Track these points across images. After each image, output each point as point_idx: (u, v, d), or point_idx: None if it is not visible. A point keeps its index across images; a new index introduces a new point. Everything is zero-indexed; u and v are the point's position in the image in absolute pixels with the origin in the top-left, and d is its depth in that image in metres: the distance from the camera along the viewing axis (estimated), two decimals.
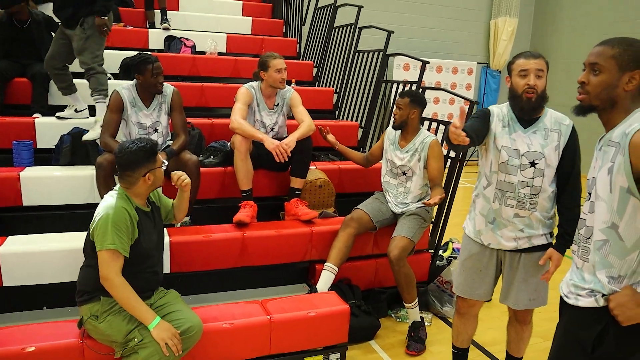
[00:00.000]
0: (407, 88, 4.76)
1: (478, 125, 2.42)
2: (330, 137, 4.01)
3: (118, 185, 2.51)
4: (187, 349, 2.50)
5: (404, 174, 3.57)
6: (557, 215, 2.48)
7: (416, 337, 3.36)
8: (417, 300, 3.40)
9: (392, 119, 3.60)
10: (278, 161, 3.52)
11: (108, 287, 2.33)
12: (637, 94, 1.61)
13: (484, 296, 2.65)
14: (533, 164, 2.37)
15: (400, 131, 3.59)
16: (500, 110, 2.49)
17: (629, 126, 1.54)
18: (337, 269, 3.40)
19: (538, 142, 2.37)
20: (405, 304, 3.41)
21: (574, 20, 9.69)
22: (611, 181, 1.57)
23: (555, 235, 2.45)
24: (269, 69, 3.74)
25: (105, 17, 3.87)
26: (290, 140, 3.59)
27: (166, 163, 2.59)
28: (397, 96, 3.58)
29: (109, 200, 2.42)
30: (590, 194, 1.71)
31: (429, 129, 3.96)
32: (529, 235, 2.45)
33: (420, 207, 3.53)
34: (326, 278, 3.37)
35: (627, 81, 1.58)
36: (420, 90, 4.59)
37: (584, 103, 1.67)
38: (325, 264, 3.42)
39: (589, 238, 1.68)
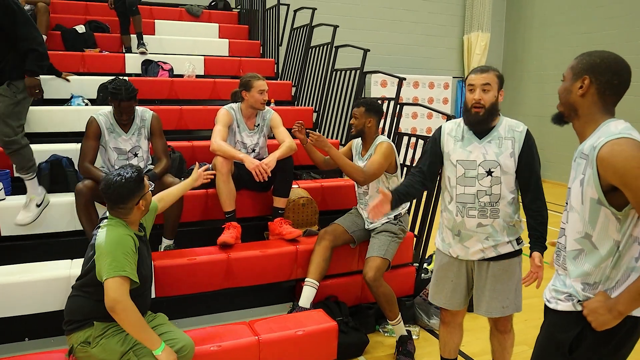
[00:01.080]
0: (385, 105, 4.82)
1: (429, 163, 2.61)
2: (300, 135, 3.69)
3: (108, 215, 2.48)
4: None
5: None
6: (522, 221, 2.54)
7: (404, 351, 3.36)
8: (400, 315, 3.40)
9: (349, 129, 3.62)
10: (258, 180, 3.52)
11: (120, 310, 2.25)
12: (602, 104, 1.66)
13: (458, 305, 2.69)
14: (489, 173, 2.44)
15: (361, 141, 3.59)
16: (454, 126, 2.58)
17: (597, 139, 1.59)
18: (317, 284, 3.39)
19: (493, 151, 2.44)
20: (389, 321, 3.42)
21: (544, 33, 9.95)
22: (582, 193, 1.63)
23: (530, 242, 2.48)
24: (251, 90, 3.76)
25: (39, 78, 3.39)
26: (270, 160, 3.59)
27: (152, 184, 2.58)
28: (353, 106, 3.58)
29: (112, 230, 2.39)
30: (567, 203, 1.76)
31: (408, 144, 4.00)
32: (495, 244, 2.49)
33: (386, 222, 3.51)
34: (308, 293, 3.37)
35: (579, 87, 1.67)
36: (399, 106, 4.66)
37: (558, 110, 1.80)
38: (306, 279, 3.41)
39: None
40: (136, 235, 2.48)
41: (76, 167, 3.84)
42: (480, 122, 2.44)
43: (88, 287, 2.40)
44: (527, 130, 2.46)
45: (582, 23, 9.16)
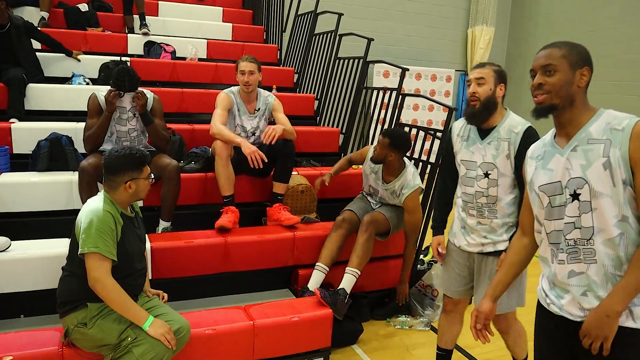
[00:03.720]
0: (387, 95, 4.81)
1: (449, 168, 2.68)
2: (327, 178, 3.94)
3: (102, 190, 2.49)
4: (177, 350, 2.50)
5: (382, 200, 3.74)
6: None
7: (333, 300, 3.21)
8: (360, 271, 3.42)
9: (371, 152, 3.59)
10: (252, 167, 3.51)
11: (100, 289, 2.29)
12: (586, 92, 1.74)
13: (458, 294, 2.73)
14: (486, 175, 2.46)
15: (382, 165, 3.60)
16: (462, 124, 2.60)
17: (613, 121, 1.63)
18: (327, 269, 3.44)
19: (490, 153, 2.45)
20: (349, 267, 3.39)
21: (549, 30, 9.90)
22: (612, 175, 1.58)
23: None
24: (237, 72, 3.78)
25: None
26: (278, 126, 3.59)
27: (152, 175, 2.56)
28: (380, 134, 3.54)
29: (93, 205, 2.40)
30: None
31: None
32: (493, 241, 2.51)
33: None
34: (317, 277, 3.41)
35: (579, 78, 1.69)
36: (400, 97, 4.64)
37: (545, 103, 1.71)
38: (317, 264, 3.45)
39: (589, 239, 1.63)
40: (124, 214, 2.47)
41: (76, 147, 3.83)
42: (475, 115, 2.45)
43: (75, 267, 2.40)
44: (526, 130, 2.41)
45: (587, 21, 9.12)
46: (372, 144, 3.96)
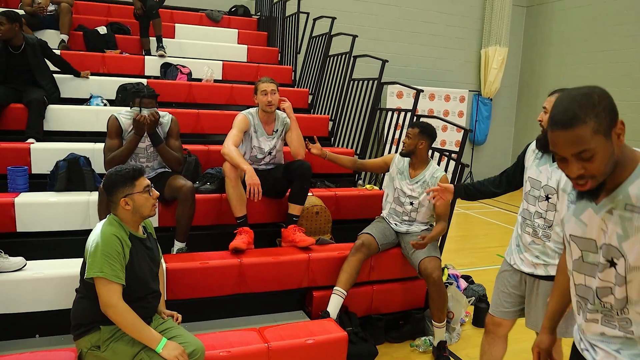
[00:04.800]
0: (402, 116, 4.83)
1: (510, 173, 2.74)
2: (316, 150, 3.99)
3: (111, 213, 2.50)
4: None
5: (411, 204, 3.65)
6: None
7: (445, 357, 3.45)
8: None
9: (401, 146, 3.69)
10: (248, 197, 3.50)
11: (111, 314, 2.29)
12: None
13: (502, 314, 2.69)
14: (547, 198, 2.45)
15: (409, 161, 3.67)
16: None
17: None
18: (345, 293, 3.44)
19: (555, 177, 2.43)
20: (437, 323, 3.50)
21: (562, 50, 9.91)
22: None
23: None
24: (257, 92, 3.80)
25: None
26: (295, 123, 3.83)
27: (150, 187, 2.53)
28: (408, 126, 3.69)
29: (100, 228, 2.41)
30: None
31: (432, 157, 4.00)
32: (545, 263, 2.49)
33: (425, 229, 3.68)
34: (336, 302, 3.41)
35: (617, 139, 1.34)
36: (415, 118, 4.65)
37: (593, 187, 1.39)
38: (335, 288, 3.44)
39: (623, 309, 1.42)
40: (134, 236, 2.46)
41: (93, 167, 3.87)
42: (538, 139, 2.52)
43: (87, 289, 2.39)
44: None
45: (601, 40, 9.11)
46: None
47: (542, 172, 2.49)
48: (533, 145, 2.61)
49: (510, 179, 2.72)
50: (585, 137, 1.30)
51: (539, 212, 2.48)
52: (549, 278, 2.47)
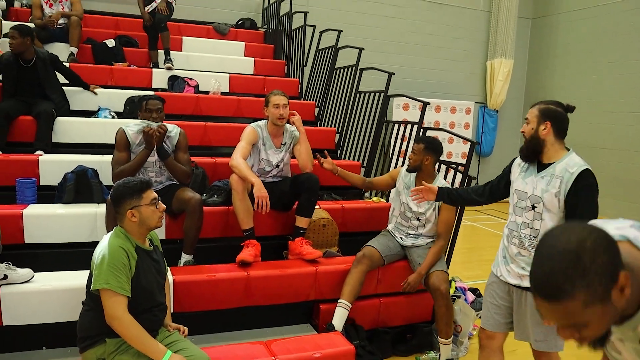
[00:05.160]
0: (409, 129, 4.84)
1: (496, 183, 2.76)
2: (327, 165, 3.95)
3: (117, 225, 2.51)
4: None
5: (418, 219, 3.64)
6: None
7: None
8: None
9: (407, 162, 3.69)
10: (255, 209, 3.53)
11: (116, 326, 2.29)
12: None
13: (493, 327, 2.69)
14: (533, 207, 2.49)
15: (415, 175, 3.65)
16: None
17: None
18: (350, 306, 3.42)
19: (541, 187, 2.47)
20: (443, 339, 3.46)
21: (568, 61, 9.90)
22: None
23: None
24: (269, 105, 3.81)
25: None
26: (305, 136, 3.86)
27: (157, 200, 2.53)
28: (414, 141, 3.67)
29: (107, 240, 2.42)
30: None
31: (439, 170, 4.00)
32: None
33: (431, 241, 3.66)
34: (341, 314, 3.38)
35: (621, 293, 1.09)
36: (422, 131, 4.65)
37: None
38: (339, 300, 3.42)
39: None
40: (140, 248, 2.46)
41: (101, 179, 3.89)
42: (521, 150, 2.56)
43: (93, 302, 2.40)
44: (582, 172, 2.37)
45: (607, 52, 9.10)
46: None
47: (527, 183, 2.52)
48: (518, 158, 2.65)
49: (494, 190, 2.75)
50: (574, 311, 1.07)
51: (526, 222, 2.52)
52: None
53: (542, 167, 2.50)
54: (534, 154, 2.50)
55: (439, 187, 2.92)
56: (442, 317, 3.42)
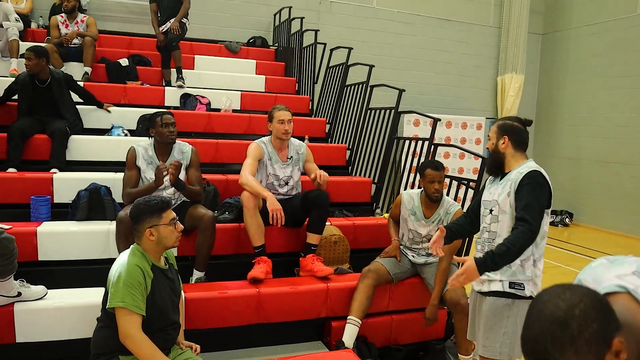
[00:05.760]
0: (419, 145, 4.83)
1: (475, 203, 2.80)
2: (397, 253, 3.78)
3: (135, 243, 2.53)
4: None
5: (429, 240, 3.54)
6: (523, 265, 2.50)
7: None
8: None
9: (433, 193, 3.50)
10: (271, 223, 3.53)
11: (130, 344, 2.30)
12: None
13: (473, 337, 2.77)
14: (491, 211, 2.60)
15: (419, 200, 3.62)
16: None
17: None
18: (360, 322, 3.39)
19: (498, 191, 2.58)
20: (463, 356, 3.43)
21: (579, 77, 9.88)
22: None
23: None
24: (273, 120, 3.86)
25: None
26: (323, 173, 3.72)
27: (176, 220, 2.56)
28: (432, 169, 3.49)
29: (123, 258, 2.44)
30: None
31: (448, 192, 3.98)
32: (489, 279, 2.55)
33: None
34: (351, 331, 3.36)
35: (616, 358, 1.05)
36: (432, 146, 4.65)
37: None
38: (348, 317, 3.40)
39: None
40: (156, 267, 2.48)
41: (113, 197, 3.92)
42: (486, 165, 2.78)
43: (108, 319, 2.41)
44: (531, 172, 2.46)
45: (618, 66, 9.07)
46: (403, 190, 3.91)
47: (491, 193, 2.62)
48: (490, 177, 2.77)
49: (475, 211, 2.77)
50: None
51: (485, 226, 2.62)
52: (491, 294, 2.54)
53: (503, 176, 2.61)
54: (497, 167, 2.62)
55: (446, 233, 2.78)
56: (462, 332, 3.32)
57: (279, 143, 3.92)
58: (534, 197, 2.42)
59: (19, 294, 2.94)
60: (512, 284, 2.50)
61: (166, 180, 3.60)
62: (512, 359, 2.55)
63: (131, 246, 2.51)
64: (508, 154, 2.59)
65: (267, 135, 4.02)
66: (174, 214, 2.54)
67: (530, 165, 2.54)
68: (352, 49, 6.24)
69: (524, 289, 2.49)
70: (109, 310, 2.36)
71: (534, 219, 2.38)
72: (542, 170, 2.50)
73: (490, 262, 2.36)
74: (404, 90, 5.27)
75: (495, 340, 2.52)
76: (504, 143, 2.59)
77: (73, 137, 4.61)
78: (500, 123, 2.65)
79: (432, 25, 9.79)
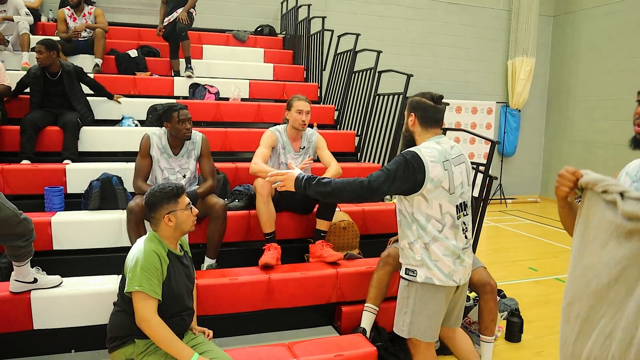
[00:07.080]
0: None
1: None
2: None
3: (151, 230, 2.58)
4: None
5: None
6: (411, 248, 2.53)
7: None
8: None
9: None
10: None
11: (145, 327, 2.35)
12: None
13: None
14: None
15: None
16: None
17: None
18: (377, 309, 3.41)
19: None
20: (488, 336, 3.37)
21: (592, 58, 9.75)
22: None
23: None
24: (291, 109, 3.86)
25: None
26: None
27: (191, 205, 2.62)
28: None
29: (140, 244, 2.49)
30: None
31: None
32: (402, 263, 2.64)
33: None
34: (368, 318, 3.38)
35: None
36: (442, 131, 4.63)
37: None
38: (366, 304, 3.41)
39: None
40: (172, 253, 2.53)
41: (125, 186, 3.98)
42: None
43: (125, 303, 2.47)
44: (407, 150, 2.45)
45: (631, 47, 8.94)
46: None
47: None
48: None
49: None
50: None
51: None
52: (404, 280, 2.59)
53: None
54: (409, 146, 2.55)
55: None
56: (489, 313, 3.31)
57: (294, 133, 3.93)
58: (389, 165, 2.42)
59: (35, 280, 3.01)
60: (407, 271, 2.55)
61: (179, 175, 3.64)
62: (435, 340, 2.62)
63: (148, 233, 2.57)
64: (416, 132, 2.55)
65: (281, 124, 4.02)
66: (188, 199, 2.60)
67: (425, 145, 2.46)
68: (360, 35, 6.22)
69: (416, 276, 2.50)
70: (126, 295, 2.41)
71: (375, 178, 2.39)
72: (421, 153, 2.39)
73: (306, 182, 2.46)
74: (412, 75, 5.26)
75: (399, 320, 2.63)
76: (411, 120, 2.54)
77: (84, 128, 4.67)
78: (409, 100, 2.59)
79: (441, 9, 9.70)
